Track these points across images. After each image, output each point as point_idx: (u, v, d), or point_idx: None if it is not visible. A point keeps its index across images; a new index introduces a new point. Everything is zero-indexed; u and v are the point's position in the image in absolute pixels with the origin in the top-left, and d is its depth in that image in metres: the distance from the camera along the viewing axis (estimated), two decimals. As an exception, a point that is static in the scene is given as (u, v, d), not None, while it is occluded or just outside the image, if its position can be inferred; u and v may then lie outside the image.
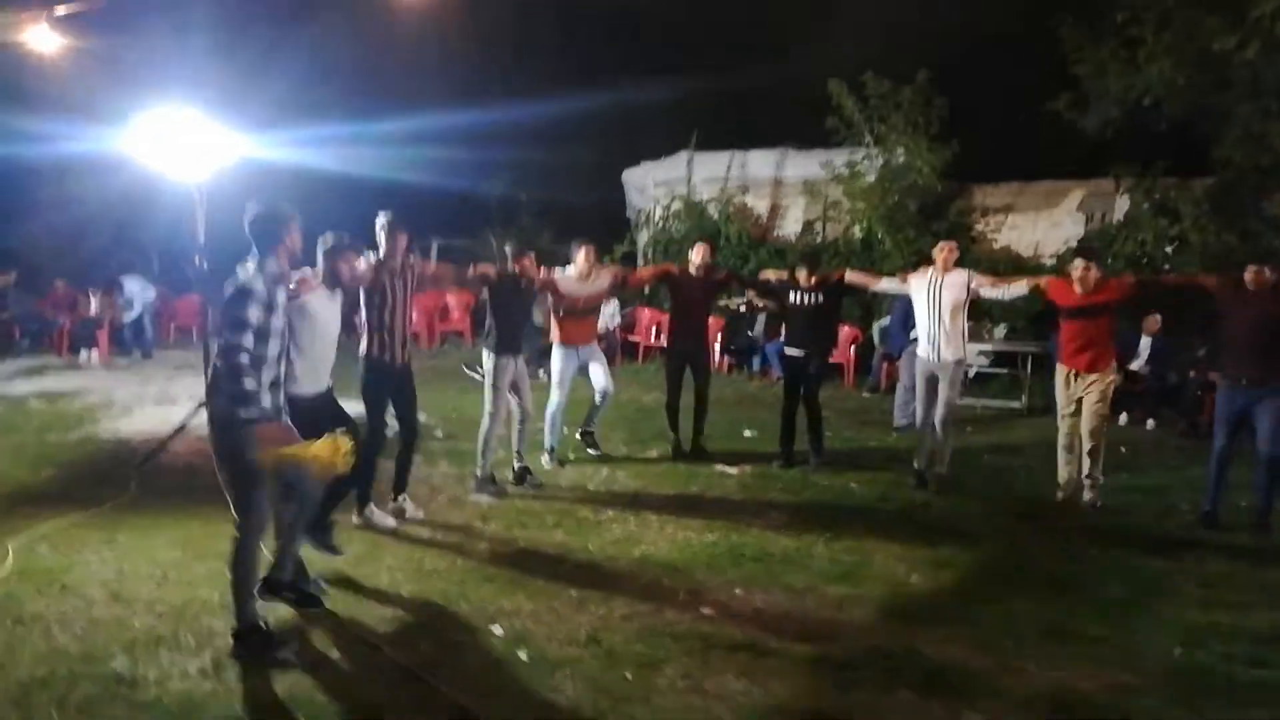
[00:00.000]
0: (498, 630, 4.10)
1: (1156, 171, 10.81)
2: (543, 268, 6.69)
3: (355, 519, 5.46)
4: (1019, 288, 6.57)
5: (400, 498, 5.78)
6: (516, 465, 6.62)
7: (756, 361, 12.22)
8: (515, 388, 6.40)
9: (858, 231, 12.90)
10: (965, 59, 12.08)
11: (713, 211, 14.02)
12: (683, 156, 14.55)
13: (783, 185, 14.39)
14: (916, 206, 12.59)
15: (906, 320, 9.07)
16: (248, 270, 3.84)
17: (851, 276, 7.29)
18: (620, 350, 13.12)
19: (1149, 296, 6.91)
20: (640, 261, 14.84)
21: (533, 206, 16.67)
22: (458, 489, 6.44)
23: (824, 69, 12.77)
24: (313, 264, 4.72)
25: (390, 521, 5.54)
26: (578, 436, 7.59)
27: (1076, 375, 6.22)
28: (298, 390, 4.39)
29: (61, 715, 3.24)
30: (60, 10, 6.18)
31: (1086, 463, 6.23)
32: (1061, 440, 6.41)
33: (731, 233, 13.62)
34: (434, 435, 8.06)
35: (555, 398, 7.06)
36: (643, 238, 15.11)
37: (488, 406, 6.27)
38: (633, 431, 8.47)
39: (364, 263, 5.11)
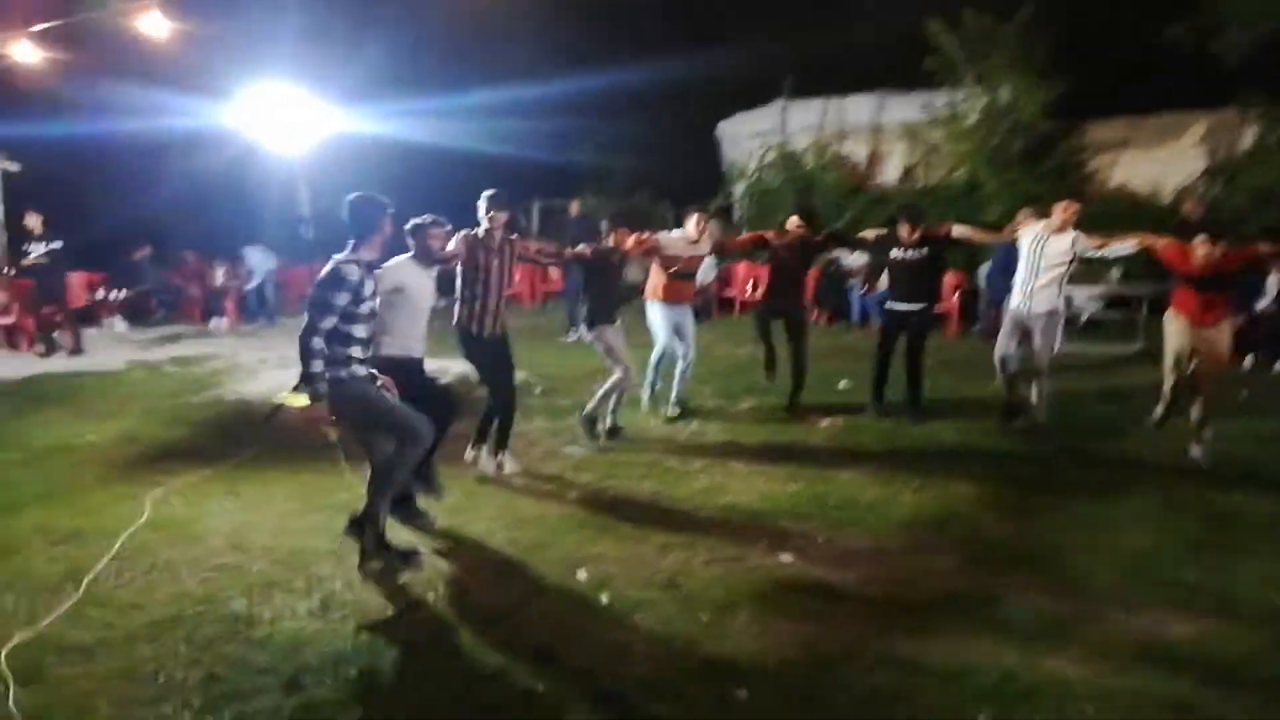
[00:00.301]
0: (582, 575, 4.28)
1: (1290, 99, 10.08)
2: (641, 232, 6.87)
3: (468, 454, 5.89)
4: (1126, 246, 6.36)
5: (501, 454, 5.97)
6: (610, 422, 6.79)
7: (856, 313, 12.03)
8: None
9: (960, 175, 12.47)
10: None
11: (808, 160, 13.77)
12: (777, 106, 14.32)
13: (882, 131, 14.02)
14: (1022, 147, 12.10)
15: (1008, 266, 8.80)
16: (343, 256, 4.08)
17: (959, 231, 7.12)
18: (716, 305, 13.14)
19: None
20: (736, 214, 14.77)
21: (625, 173, 16.73)
22: (553, 443, 6.66)
23: (923, 7, 12.31)
24: (403, 240, 5.02)
25: (491, 468, 5.84)
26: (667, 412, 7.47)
27: (1192, 327, 5.99)
28: (388, 353, 4.74)
29: (189, 649, 3.59)
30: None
31: (1196, 416, 5.96)
32: (1166, 392, 6.22)
33: (828, 181, 13.36)
34: (532, 392, 8.32)
35: (659, 348, 7.25)
36: (738, 190, 14.99)
37: (614, 365, 6.57)
38: (724, 385, 8.54)
39: (450, 238, 5.34)
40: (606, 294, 6.57)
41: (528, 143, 14.50)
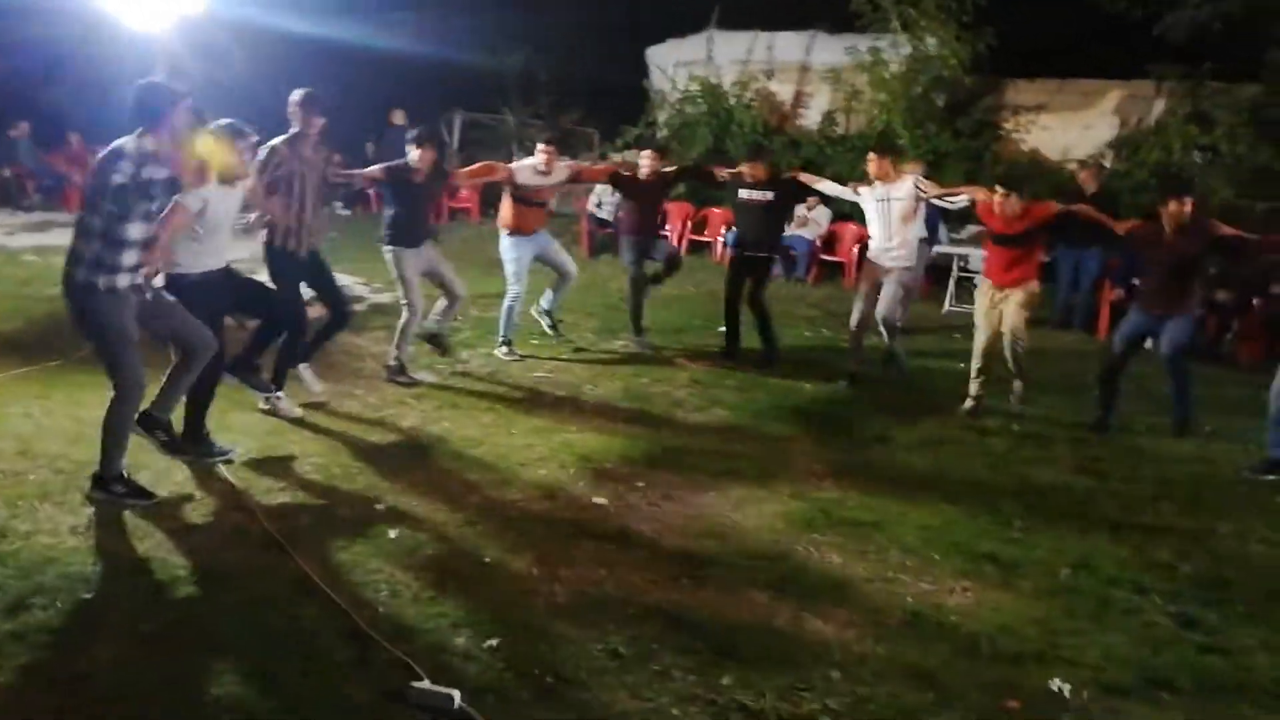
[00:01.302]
0: (380, 507, 4.13)
1: (1204, 74, 10.06)
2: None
3: (261, 404, 5.31)
4: (963, 199, 6.37)
5: (302, 366, 5.61)
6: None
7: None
8: (434, 274, 6.25)
9: (879, 125, 12.29)
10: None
11: (730, 94, 13.44)
12: (705, 35, 13.89)
13: (810, 72, 13.71)
14: (944, 102, 11.96)
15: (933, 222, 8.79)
16: (124, 142, 3.74)
17: (806, 178, 7.18)
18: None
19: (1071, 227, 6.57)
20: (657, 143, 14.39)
21: (552, 84, 16.15)
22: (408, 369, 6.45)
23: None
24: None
25: (296, 411, 5.32)
26: (534, 312, 7.44)
27: (999, 289, 6.01)
28: (183, 270, 4.41)
29: (-77, 560, 3.35)
30: None
31: (1015, 367, 6.13)
32: (976, 359, 6.17)
33: (745, 120, 13.07)
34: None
35: (513, 289, 6.91)
36: (660, 118, 14.60)
37: (403, 299, 6.16)
38: (605, 322, 8.38)
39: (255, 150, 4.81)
40: (409, 214, 6.05)
41: (445, 41, 13.72)
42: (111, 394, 3.95)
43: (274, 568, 3.51)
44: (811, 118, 13.63)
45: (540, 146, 6.93)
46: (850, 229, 11.53)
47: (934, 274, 10.05)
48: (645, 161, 7.23)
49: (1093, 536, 4.30)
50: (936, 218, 8.93)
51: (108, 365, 3.94)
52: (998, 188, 5.92)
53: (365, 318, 7.85)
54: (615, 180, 7.56)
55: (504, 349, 6.95)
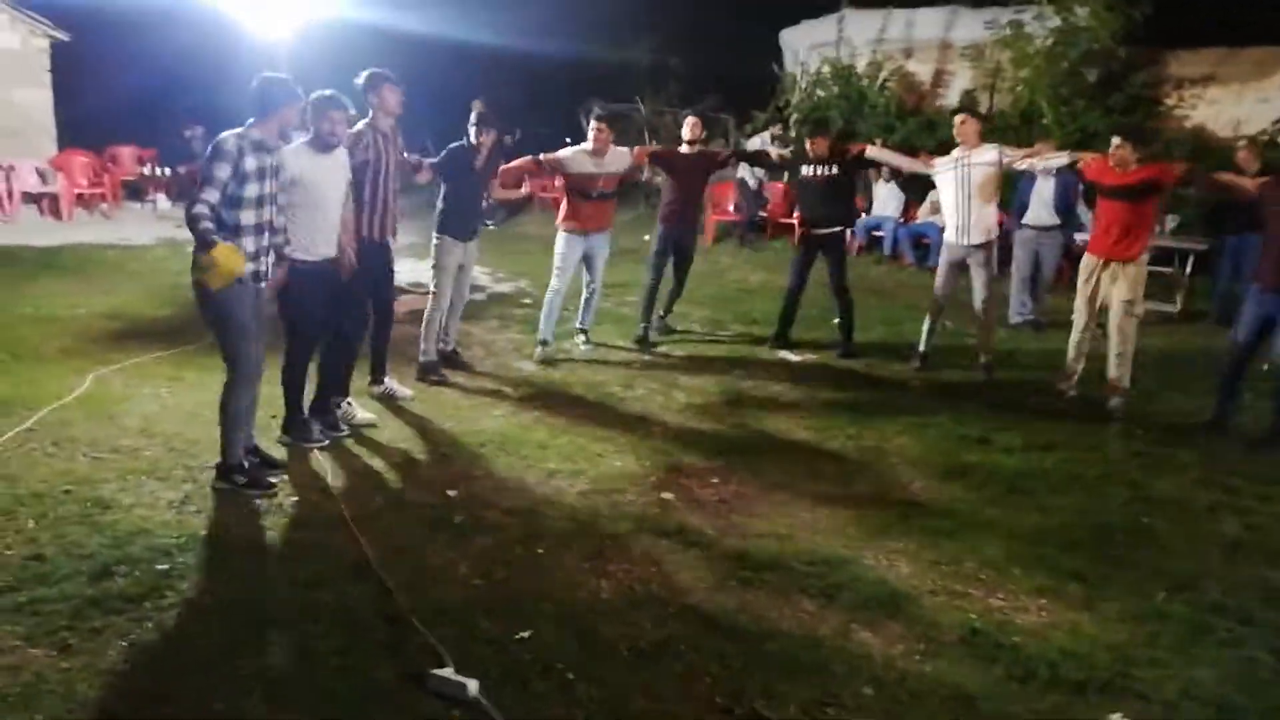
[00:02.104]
0: (452, 493, 4.25)
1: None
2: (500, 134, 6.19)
3: (372, 389, 5.47)
4: (1058, 159, 6.09)
5: (386, 380, 5.53)
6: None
7: (888, 244, 11.45)
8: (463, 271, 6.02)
9: (1023, 102, 11.56)
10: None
11: (862, 75, 12.97)
12: (838, 15, 13.46)
13: (950, 49, 13.05)
14: (1095, 76, 11.10)
15: (1024, 203, 8.28)
16: (227, 135, 3.95)
17: (873, 152, 6.98)
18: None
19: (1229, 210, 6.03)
20: (791, 131, 14.08)
21: (684, 72, 16.07)
22: (509, 356, 6.62)
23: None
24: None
25: (407, 391, 5.51)
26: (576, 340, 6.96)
27: (1105, 264, 5.63)
28: (295, 255, 4.45)
29: (36, 527, 3.70)
30: None
31: (1114, 364, 5.68)
32: (1075, 333, 5.91)
33: (878, 101, 12.59)
34: (521, 301, 8.29)
35: (553, 285, 6.51)
36: (793, 102, 14.28)
37: (434, 289, 5.95)
38: (714, 313, 8.29)
39: (350, 123, 4.73)
40: (460, 204, 5.81)
41: (577, 35, 13.86)
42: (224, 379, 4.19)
43: (339, 548, 3.67)
44: (952, 98, 12.98)
45: (592, 124, 6.30)
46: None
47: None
48: (687, 130, 6.88)
49: (1204, 557, 3.90)
50: (1071, 196, 8.31)
51: (222, 352, 4.19)
52: (1114, 138, 5.55)
53: (482, 306, 8.10)
54: (653, 157, 7.23)
55: (539, 349, 6.53)
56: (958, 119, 6.24)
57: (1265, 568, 3.81)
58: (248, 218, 4.01)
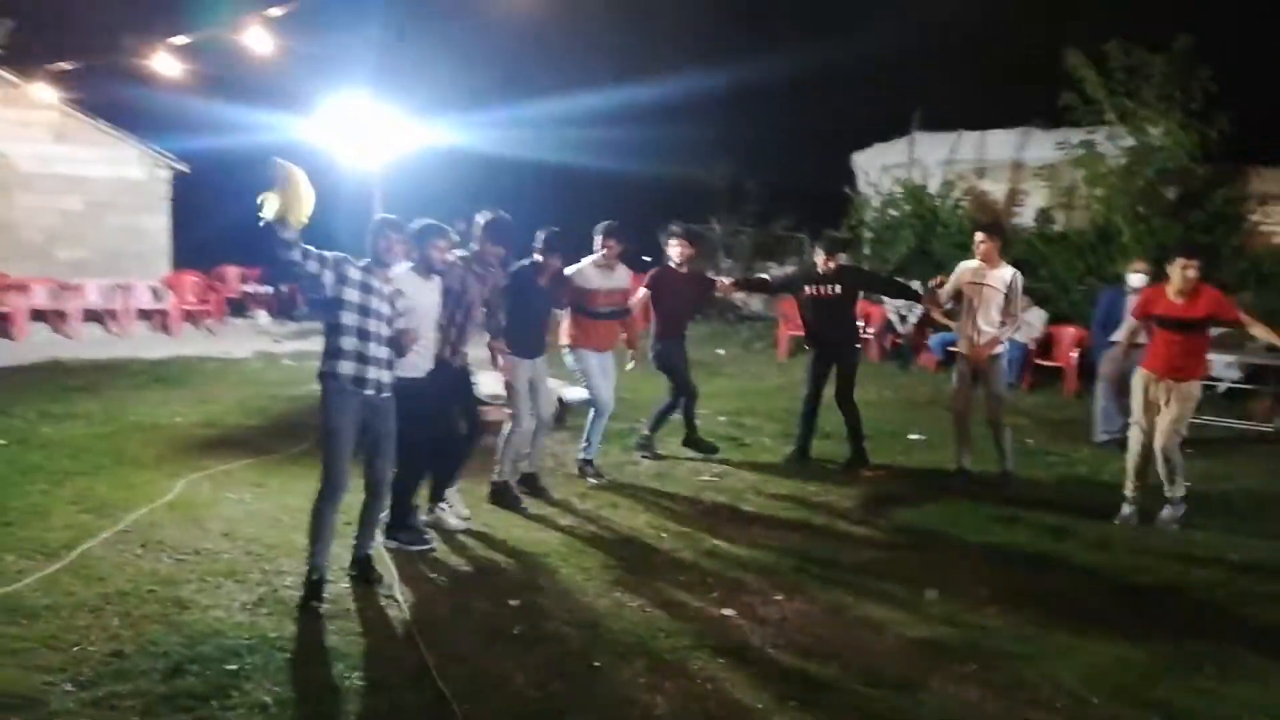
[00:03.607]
0: (514, 602, 4.29)
1: None
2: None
3: (424, 515, 5.29)
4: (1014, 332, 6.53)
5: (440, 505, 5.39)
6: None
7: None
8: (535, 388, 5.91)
9: (1098, 220, 11.54)
10: (1237, 19, 10.35)
11: (936, 197, 13.16)
12: (909, 138, 13.80)
13: (1023, 169, 13.19)
14: (1173, 194, 11.04)
15: (1108, 318, 8.08)
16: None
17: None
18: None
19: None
20: (865, 250, 14.27)
21: (760, 192, 16.56)
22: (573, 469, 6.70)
23: (1070, 39, 11.51)
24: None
25: (459, 523, 5.35)
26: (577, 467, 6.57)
27: (1159, 381, 5.54)
28: (398, 373, 4.54)
29: (119, 624, 3.87)
30: (274, 11, 7.08)
31: (1163, 478, 5.58)
32: (1133, 453, 5.73)
33: (951, 220, 12.71)
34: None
35: (595, 400, 6.36)
36: (868, 219, 14.52)
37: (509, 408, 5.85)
38: (788, 424, 8.28)
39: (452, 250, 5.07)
40: (522, 322, 5.72)
41: (656, 156, 14.47)
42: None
43: (400, 654, 3.73)
44: (1027, 216, 13.04)
45: (600, 239, 6.23)
46: (1069, 332, 10.77)
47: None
48: (674, 250, 6.71)
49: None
50: (1121, 311, 8.08)
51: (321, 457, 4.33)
52: (1180, 258, 5.42)
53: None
54: (648, 283, 6.84)
55: (589, 467, 6.41)
56: (979, 237, 6.42)
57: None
58: (347, 318, 4.19)
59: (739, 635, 4.02)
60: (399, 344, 4.39)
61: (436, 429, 5.07)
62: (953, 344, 10.96)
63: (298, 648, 3.74)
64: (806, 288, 6.91)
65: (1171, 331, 5.49)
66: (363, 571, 4.43)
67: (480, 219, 5.48)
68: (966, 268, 6.50)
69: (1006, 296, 6.31)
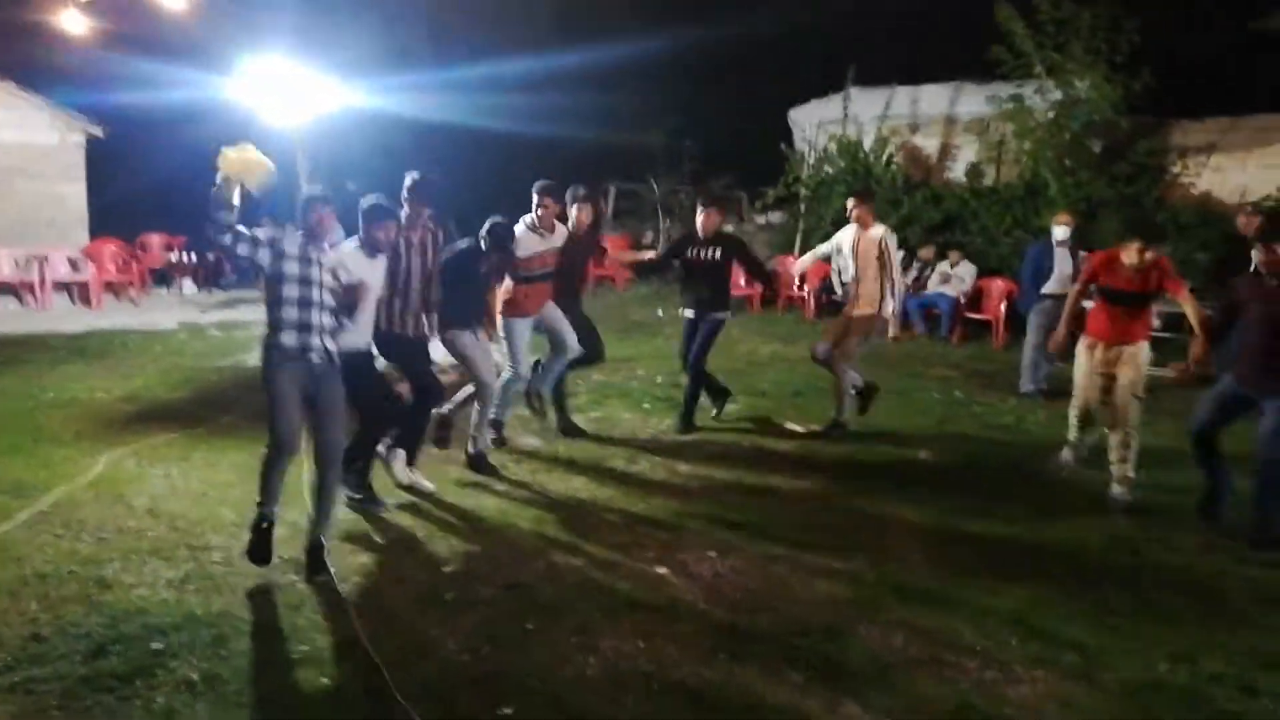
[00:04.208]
0: (448, 569, 4.28)
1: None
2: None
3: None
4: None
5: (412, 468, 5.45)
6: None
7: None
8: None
9: (1026, 174, 11.74)
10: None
11: (871, 153, 13.24)
12: (847, 93, 13.82)
13: (956, 123, 13.33)
14: (1100, 147, 11.27)
15: (1037, 270, 8.26)
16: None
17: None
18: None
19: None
20: (801, 207, 14.33)
21: (698, 150, 16.49)
22: (513, 434, 6.66)
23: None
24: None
25: (428, 485, 5.38)
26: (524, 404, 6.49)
27: (1108, 347, 5.38)
28: (343, 344, 4.48)
29: (38, 607, 3.76)
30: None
31: (1116, 451, 5.35)
32: (1073, 413, 5.73)
33: (886, 175, 12.81)
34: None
35: (510, 370, 6.23)
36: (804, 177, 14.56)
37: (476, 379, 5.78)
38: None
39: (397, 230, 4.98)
40: (463, 297, 5.61)
41: (594, 119, 14.27)
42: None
43: (331, 625, 3.69)
44: (958, 170, 13.21)
45: (536, 198, 6.01)
46: (997, 284, 11.00)
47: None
48: (573, 212, 6.38)
49: (1208, 627, 3.83)
50: (1049, 263, 8.20)
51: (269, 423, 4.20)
52: (1135, 241, 5.22)
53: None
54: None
55: (491, 433, 6.13)
56: (850, 203, 6.69)
57: (1271, 638, 3.72)
58: (289, 290, 4.11)
59: (671, 592, 4.07)
60: (349, 304, 4.36)
61: (369, 402, 4.98)
62: (934, 306, 11.19)
63: (225, 623, 3.68)
64: (688, 251, 6.74)
65: (1120, 305, 5.32)
66: (312, 561, 4.16)
67: (408, 179, 5.37)
68: (845, 233, 6.67)
69: (880, 257, 6.44)
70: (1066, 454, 5.88)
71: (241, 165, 3.91)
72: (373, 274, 4.83)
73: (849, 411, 6.81)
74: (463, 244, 5.74)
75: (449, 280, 5.49)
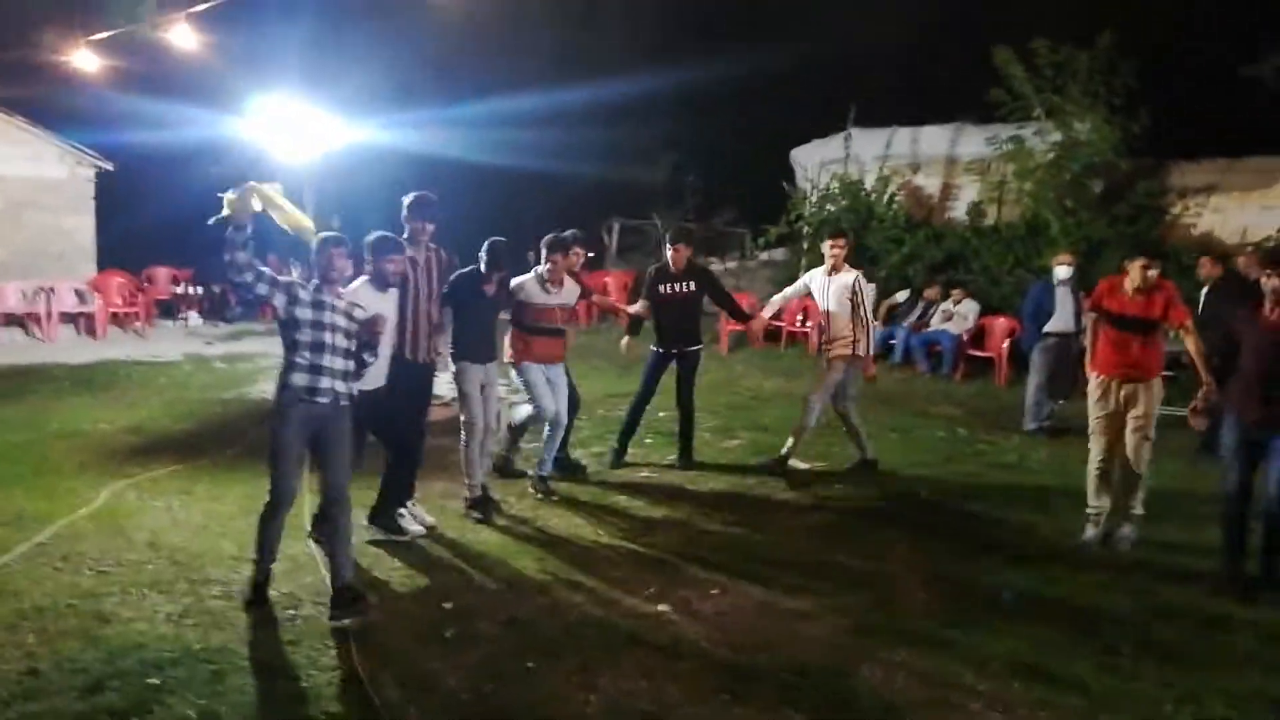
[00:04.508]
0: (448, 605, 4.26)
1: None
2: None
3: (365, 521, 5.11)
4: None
5: (409, 506, 5.31)
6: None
7: (899, 352, 11.55)
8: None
9: (1029, 214, 11.82)
10: (1158, 17, 10.68)
11: (873, 192, 13.34)
12: (848, 133, 13.97)
13: (956, 164, 13.44)
14: (1101, 188, 11.36)
15: (1038, 309, 8.29)
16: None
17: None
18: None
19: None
20: (804, 245, 14.40)
21: (700, 186, 16.65)
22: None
23: (994, 34, 11.74)
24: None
25: (419, 528, 5.24)
26: (530, 486, 6.13)
27: (1120, 383, 5.22)
28: (365, 384, 4.57)
29: (35, 641, 3.75)
30: (199, 7, 6.93)
31: (1123, 493, 5.26)
32: (1092, 469, 5.37)
33: (886, 214, 12.91)
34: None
35: (532, 410, 6.09)
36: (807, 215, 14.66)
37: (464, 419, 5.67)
38: (725, 421, 8.35)
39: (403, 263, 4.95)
40: (470, 327, 5.56)
41: (597, 155, 14.41)
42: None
43: (330, 661, 3.67)
44: (959, 210, 13.30)
45: (545, 254, 5.88)
46: (1000, 322, 11.02)
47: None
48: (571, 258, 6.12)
49: (1213, 668, 3.79)
50: (1050, 303, 8.24)
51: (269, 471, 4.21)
52: (1140, 258, 5.14)
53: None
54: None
55: (542, 484, 6.04)
56: (826, 244, 6.66)
57: (1276, 678, 3.69)
58: (304, 335, 4.14)
59: (673, 631, 4.05)
60: (370, 340, 4.37)
61: (399, 431, 5.08)
62: (936, 343, 11.21)
63: (223, 659, 3.66)
64: (661, 288, 6.63)
65: (1126, 332, 5.16)
66: (341, 603, 4.01)
67: (406, 198, 5.35)
68: (815, 276, 6.68)
69: (853, 301, 6.44)
70: (1090, 532, 5.33)
71: (267, 201, 4.03)
72: (386, 307, 4.81)
73: (871, 450, 6.79)
74: (464, 270, 5.68)
75: (455, 306, 5.47)
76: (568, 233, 6.23)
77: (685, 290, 6.62)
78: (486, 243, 5.57)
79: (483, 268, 5.56)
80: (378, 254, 4.79)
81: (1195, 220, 11.15)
